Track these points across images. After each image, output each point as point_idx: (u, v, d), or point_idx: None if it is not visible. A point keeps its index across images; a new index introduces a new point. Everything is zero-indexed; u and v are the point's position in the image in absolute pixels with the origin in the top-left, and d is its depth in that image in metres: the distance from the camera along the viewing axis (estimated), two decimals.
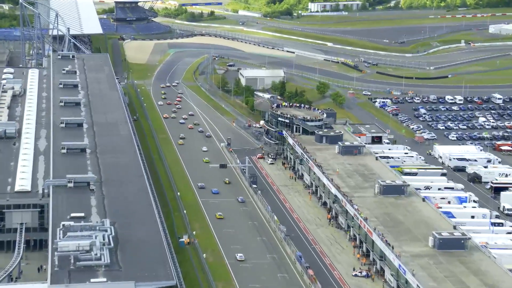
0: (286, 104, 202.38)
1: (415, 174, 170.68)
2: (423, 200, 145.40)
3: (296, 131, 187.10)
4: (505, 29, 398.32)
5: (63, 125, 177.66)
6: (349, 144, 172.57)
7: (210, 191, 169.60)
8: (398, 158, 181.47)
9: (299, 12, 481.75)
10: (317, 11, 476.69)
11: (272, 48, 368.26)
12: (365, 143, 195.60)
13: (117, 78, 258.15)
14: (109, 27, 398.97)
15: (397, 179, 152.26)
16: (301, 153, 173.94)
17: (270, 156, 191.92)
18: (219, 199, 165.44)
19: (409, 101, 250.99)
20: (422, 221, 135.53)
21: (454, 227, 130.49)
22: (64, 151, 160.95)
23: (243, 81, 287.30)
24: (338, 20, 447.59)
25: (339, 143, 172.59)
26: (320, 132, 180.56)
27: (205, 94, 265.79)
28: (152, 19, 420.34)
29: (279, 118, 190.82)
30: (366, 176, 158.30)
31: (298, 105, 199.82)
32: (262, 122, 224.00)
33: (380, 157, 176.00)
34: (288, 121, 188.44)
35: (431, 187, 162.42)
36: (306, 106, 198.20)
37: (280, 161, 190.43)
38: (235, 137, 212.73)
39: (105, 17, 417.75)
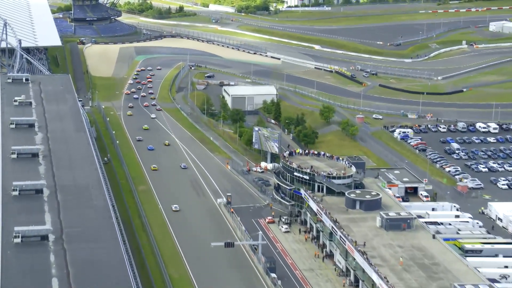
0: (300, 151, 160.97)
1: (479, 251, 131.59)
2: None
3: (318, 190, 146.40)
4: (508, 27, 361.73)
5: (16, 192, 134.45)
6: (395, 216, 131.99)
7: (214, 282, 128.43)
8: (450, 224, 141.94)
9: (276, 6, 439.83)
10: (296, 6, 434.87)
11: (254, 53, 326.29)
12: (398, 196, 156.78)
13: (80, 101, 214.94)
14: (66, 29, 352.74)
15: (480, 281, 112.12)
16: (331, 226, 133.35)
17: (283, 220, 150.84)
18: None
19: (433, 129, 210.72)
20: None
21: None
22: (19, 240, 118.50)
23: (228, 101, 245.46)
24: (320, 16, 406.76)
25: (382, 214, 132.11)
26: (353, 195, 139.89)
27: (188, 122, 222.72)
28: (116, 18, 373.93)
29: (296, 173, 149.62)
30: (429, 269, 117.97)
31: (316, 153, 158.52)
32: (264, 164, 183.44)
33: (426, 223, 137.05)
34: (308, 177, 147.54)
35: (508, 276, 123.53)
36: (327, 155, 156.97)
37: (297, 227, 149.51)
38: (232, 187, 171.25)
39: (61, 16, 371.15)
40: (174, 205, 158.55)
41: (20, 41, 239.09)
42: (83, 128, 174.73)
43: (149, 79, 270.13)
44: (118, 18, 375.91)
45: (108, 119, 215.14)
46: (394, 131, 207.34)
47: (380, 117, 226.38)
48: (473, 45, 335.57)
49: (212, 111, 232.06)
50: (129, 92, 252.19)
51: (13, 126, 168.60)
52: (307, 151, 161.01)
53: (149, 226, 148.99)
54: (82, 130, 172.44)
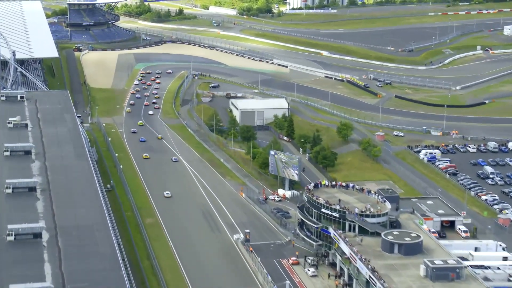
0: (326, 183, 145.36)
1: None
2: None
3: (349, 230, 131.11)
4: None
5: (12, 237, 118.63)
6: (442, 265, 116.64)
7: None
8: (498, 269, 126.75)
9: (279, 8, 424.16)
10: (300, 8, 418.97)
11: (260, 60, 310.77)
12: (434, 231, 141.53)
13: (79, 117, 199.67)
14: (61, 34, 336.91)
15: None
16: (368, 274, 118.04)
17: (309, 262, 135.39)
18: None
19: (461, 149, 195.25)
20: None
21: None
22: None
23: (236, 115, 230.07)
24: (326, 19, 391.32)
25: (426, 262, 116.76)
26: (390, 238, 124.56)
27: (195, 140, 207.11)
28: (113, 23, 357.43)
29: (323, 210, 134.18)
30: None
31: (344, 185, 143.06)
32: (281, 192, 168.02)
33: (471, 266, 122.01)
34: (337, 215, 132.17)
35: None
36: (357, 187, 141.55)
37: (325, 271, 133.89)
38: (248, 219, 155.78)
39: (56, 21, 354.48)
40: (186, 243, 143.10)
41: (14, 52, 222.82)
42: (84, 154, 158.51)
43: (155, 95, 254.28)
44: (116, 23, 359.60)
45: (110, 139, 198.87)
46: (419, 151, 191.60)
47: (401, 134, 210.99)
48: (488, 51, 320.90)
49: (220, 127, 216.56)
50: (130, 111, 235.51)
51: (8, 153, 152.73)
52: (334, 182, 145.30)
53: (159, 269, 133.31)
54: (83, 157, 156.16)
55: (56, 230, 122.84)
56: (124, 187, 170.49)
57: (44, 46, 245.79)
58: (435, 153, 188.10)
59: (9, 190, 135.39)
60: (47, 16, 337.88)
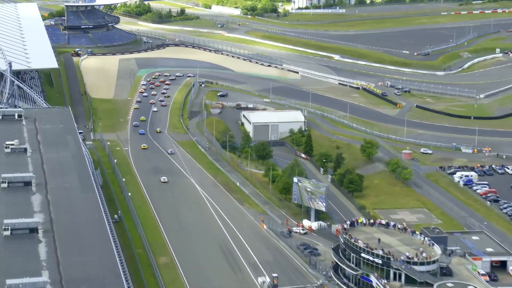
0: (363, 221, 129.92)
1: None
2: None
3: (394, 278, 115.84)
4: None
5: None
6: None
7: None
8: None
9: (283, 7, 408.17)
10: (307, 7, 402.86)
11: (269, 66, 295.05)
12: (484, 274, 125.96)
13: (80, 133, 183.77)
14: (59, 38, 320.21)
15: None
16: None
17: None
18: None
19: (499, 171, 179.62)
20: None
21: None
22: None
23: (249, 129, 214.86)
24: (334, 20, 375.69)
25: None
26: None
27: (206, 159, 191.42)
28: (114, 25, 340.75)
29: (363, 255, 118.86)
30: None
31: (384, 223, 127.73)
32: (307, 223, 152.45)
33: None
34: (380, 261, 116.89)
35: None
36: (399, 226, 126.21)
37: None
38: (272, 255, 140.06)
39: (53, 23, 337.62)
40: None
41: (10, 63, 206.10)
42: (90, 185, 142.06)
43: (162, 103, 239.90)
44: (116, 25, 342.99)
45: (115, 161, 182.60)
46: (453, 173, 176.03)
47: (430, 151, 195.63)
48: (508, 54, 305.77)
49: (232, 143, 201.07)
50: (138, 124, 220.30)
51: (5, 185, 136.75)
52: (372, 221, 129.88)
53: None
54: (89, 189, 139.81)
55: (61, 284, 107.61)
56: (133, 218, 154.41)
57: (42, 56, 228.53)
58: (471, 175, 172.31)
59: (7, 232, 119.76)
60: (43, 18, 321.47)
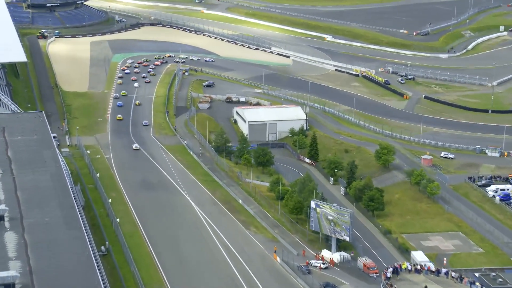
0: (407, 267, 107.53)
1: None
2: None
3: None
4: None
5: None
6: None
7: None
8: None
9: None
10: None
11: (256, 49, 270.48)
12: None
13: (54, 137, 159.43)
14: (22, 17, 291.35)
15: None
16: None
17: None
18: None
19: None
20: None
21: None
22: None
23: (244, 128, 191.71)
24: None
25: None
26: None
27: (201, 169, 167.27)
28: (83, 2, 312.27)
29: None
30: None
31: (418, 267, 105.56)
32: (327, 254, 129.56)
33: None
34: None
35: None
36: (452, 274, 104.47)
37: None
38: None
39: (15, 1, 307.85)
40: None
41: None
42: (75, 218, 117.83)
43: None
44: (86, 2, 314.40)
45: (98, 174, 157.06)
46: (485, 185, 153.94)
47: (451, 155, 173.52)
48: None
49: (230, 148, 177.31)
50: (122, 118, 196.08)
51: None
52: (419, 266, 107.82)
53: None
54: (74, 225, 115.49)
55: None
56: (123, 250, 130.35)
57: (7, 46, 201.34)
58: (508, 189, 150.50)
59: None
60: None
